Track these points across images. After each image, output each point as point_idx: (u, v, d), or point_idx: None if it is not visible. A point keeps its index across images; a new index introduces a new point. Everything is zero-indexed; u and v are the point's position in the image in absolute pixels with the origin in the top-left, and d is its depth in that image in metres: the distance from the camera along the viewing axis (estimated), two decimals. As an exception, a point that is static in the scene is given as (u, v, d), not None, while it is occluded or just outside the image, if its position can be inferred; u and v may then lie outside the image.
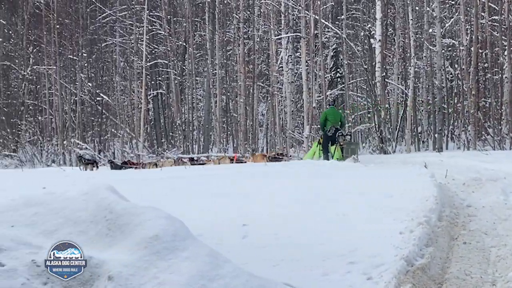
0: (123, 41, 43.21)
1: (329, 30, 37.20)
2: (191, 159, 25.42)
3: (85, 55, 43.60)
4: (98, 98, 42.92)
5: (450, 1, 34.36)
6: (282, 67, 34.05)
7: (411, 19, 30.05)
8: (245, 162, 23.31)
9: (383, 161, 18.21)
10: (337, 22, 40.46)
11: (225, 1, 40.50)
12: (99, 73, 47.15)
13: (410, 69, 29.56)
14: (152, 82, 43.22)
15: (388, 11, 32.82)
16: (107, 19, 43.47)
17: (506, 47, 27.27)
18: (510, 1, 27.53)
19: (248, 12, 40.82)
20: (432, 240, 6.39)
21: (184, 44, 42.57)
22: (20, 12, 48.32)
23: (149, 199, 6.79)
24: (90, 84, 43.99)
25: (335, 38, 41.04)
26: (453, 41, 33.11)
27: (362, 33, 38.70)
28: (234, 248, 5.86)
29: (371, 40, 31.40)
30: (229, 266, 4.28)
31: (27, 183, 11.41)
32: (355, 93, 41.45)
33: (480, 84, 29.94)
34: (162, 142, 42.18)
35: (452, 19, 32.86)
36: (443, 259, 5.98)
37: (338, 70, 41.40)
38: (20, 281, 4.00)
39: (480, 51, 29.33)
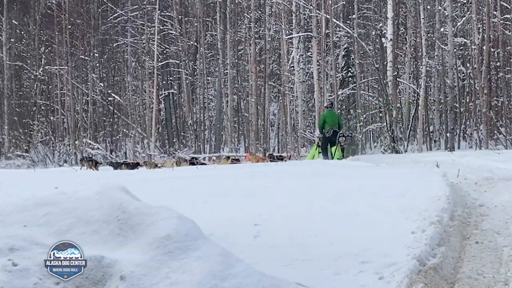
0: (135, 41, 43.31)
1: (340, 29, 37.15)
2: (191, 160, 25.30)
3: (96, 55, 43.65)
4: (109, 98, 42.97)
5: (462, 0, 34.21)
6: (293, 66, 34.03)
7: (422, 18, 29.98)
8: (240, 162, 23.52)
9: (394, 160, 18.11)
10: (348, 22, 40.37)
11: (236, 1, 40.55)
12: (111, 73, 47.17)
13: (422, 68, 29.50)
14: (164, 82, 43.25)
15: (400, 10, 32.79)
16: (119, 19, 43.55)
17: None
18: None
19: (259, 12, 40.81)
20: (444, 240, 6.37)
21: (196, 44, 42.59)
22: (32, 13, 48.43)
23: (158, 200, 6.80)
24: (102, 84, 44.03)
25: (346, 38, 40.90)
26: (465, 40, 32.97)
27: (373, 32, 38.63)
28: (246, 247, 5.86)
29: (383, 39, 31.36)
30: (241, 266, 4.28)
31: (39, 183, 11.44)
32: (367, 93, 41.37)
33: (492, 83, 29.79)
34: (173, 142, 42.17)
35: (464, 18, 32.71)
36: (455, 258, 5.95)
37: (350, 69, 41.26)
38: (32, 281, 4.02)
39: (492, 50, 29.19)
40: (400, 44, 35.16)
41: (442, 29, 29.53)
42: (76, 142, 41.19)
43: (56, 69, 43.79)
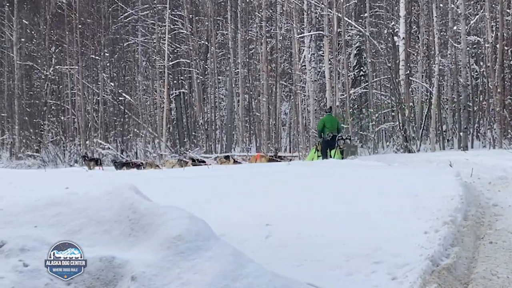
0: (145, 40, 43.41)
1: (352, 28, 37.05)
2: (192, 160, 25.26)
3: (107, 54, 43.80)
4: (120, 98, 43.08)
5: (475, -2, 34.10)
6: (305, 65, 33.93)
7: (435, 16, 29.86)
8: (241, 163, 23.56)
9: (407, 160, 18.07)
10: (360, 20, 40.31)
11: (247, 0, 40.51)
12: (121, 72, 47.36)
13: (435, 67, 29.38)
14: (174, 82, 43.28)
15: (412, 8, 32.69)
16: (129, 18, 43.64)
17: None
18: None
19: (271, 11, 40.82)
20: (457, 240, 6.33)
21: (206, 43, 42.65)
22: (43, 12, 48.70)
23: (168, 200, 6.79)
24: (112, 84, 44.17)
25: (358, 36, 40.82)
26: (478, 39, 32.81)
27: (385, 31, 38.48)
28: (257, 247, 5.85)
29: (395, 38, 31.19)
30: (252, 266, 4.26)
31: (50, 184, 11.46)
32: (379, 92, 41.26)
33: (505, 82, 29.59)
34: (184, 141, 42.19)
35: (477, 16, 32.53)
36: (469, 259, 5.91)
37: (362, 68, 41.19)
38: (43, 281, 4.01)
39: (506, 48, 29.00)
40: (412, 42, 35.07)
41: (455, 28, 29.40)
42: (87, 142, 41.34)
43: (67, 68, 44.02)
